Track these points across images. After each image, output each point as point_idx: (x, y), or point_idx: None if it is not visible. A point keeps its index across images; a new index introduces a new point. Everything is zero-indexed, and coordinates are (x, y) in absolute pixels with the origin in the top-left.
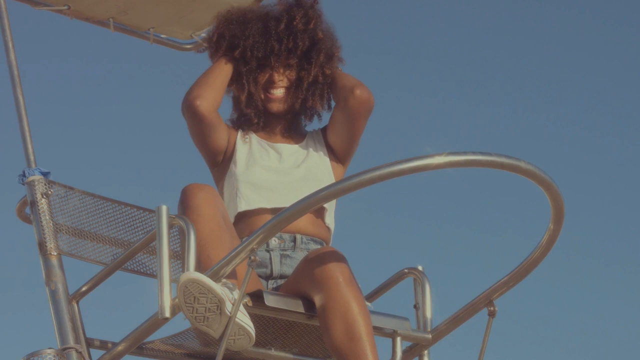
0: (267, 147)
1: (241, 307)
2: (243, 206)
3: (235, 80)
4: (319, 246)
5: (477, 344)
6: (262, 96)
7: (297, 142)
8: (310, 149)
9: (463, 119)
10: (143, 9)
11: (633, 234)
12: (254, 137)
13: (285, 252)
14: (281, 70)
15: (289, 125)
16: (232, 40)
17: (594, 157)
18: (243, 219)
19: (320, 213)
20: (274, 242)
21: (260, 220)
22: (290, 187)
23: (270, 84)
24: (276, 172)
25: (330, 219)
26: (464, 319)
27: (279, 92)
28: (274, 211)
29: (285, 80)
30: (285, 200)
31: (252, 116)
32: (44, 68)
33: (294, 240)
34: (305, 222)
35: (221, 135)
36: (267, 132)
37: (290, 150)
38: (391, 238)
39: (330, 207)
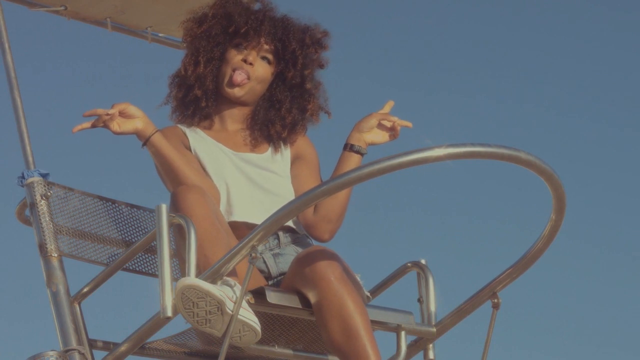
0: (231, 156)
1: (244, 304)
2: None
3: (201, 51)
4: (302, 236)
5: (482, 336)
6: (228, 72)
7: (261, 151)
8: (276, 162)
9: (462, 112)
10: (140, 8)
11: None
12: (211, 141)
13: (274, 251)
14: (257, 57)
15: (252, 131)
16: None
17: (595, 148)
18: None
19: None
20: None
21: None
22: (259, 203)
23: (241, 64)
24: (244, 185)
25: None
26: (468, 311)
27: (245, 73)
28: (248, 225)
29: (259, 67)
30: (256, 215)
31: (201, 98)
32: (41, 69)
33: (278, 238)
34: None
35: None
36: (227, 140)
37: (256, 159)
38: (393, 232)
39: None
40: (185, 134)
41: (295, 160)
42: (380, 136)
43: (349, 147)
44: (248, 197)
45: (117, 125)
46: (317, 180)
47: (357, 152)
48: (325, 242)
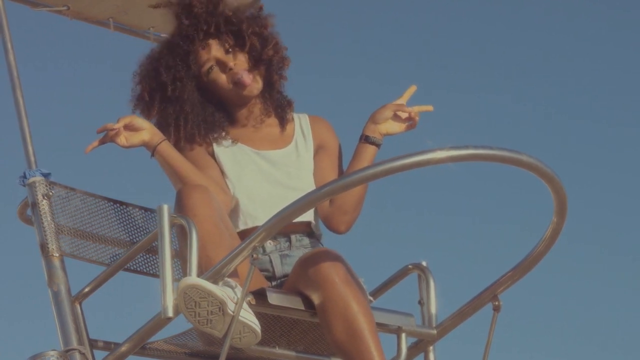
0: (254, 157)
1: (245, 305)
2: (241, 226)
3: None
4: (314, 240)
5: (483, 339)
6: (230, 86)
7: (284, 144)
8: (300, 155)
9: (461, 112)
10: (143, 9)
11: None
12: (236, 144)
13: (283, 252)
14: (228, 56)
15: (270, 119)
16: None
17: (595, 148)
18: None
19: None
20: (269, 245)
21: None
22: (283, 203)
23: (232, 73)
24: (266, 187)
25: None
26: (469, 314)
27: (242, 70)
28: None
29: (239, 60)
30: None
31: (214, 138)
32: (43, 69)
33: (289, 240)
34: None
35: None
36: (249, 139)
37: (279, 157)
38: (394, 234)
39: None
40: (210, 140)
41: (318, 150)
42: (397, 127)
43: (364, 139)
44: (272, 199)
45: (124, 139)
46: (337, 171)
47: (373, 143)
48: (342, 233)
